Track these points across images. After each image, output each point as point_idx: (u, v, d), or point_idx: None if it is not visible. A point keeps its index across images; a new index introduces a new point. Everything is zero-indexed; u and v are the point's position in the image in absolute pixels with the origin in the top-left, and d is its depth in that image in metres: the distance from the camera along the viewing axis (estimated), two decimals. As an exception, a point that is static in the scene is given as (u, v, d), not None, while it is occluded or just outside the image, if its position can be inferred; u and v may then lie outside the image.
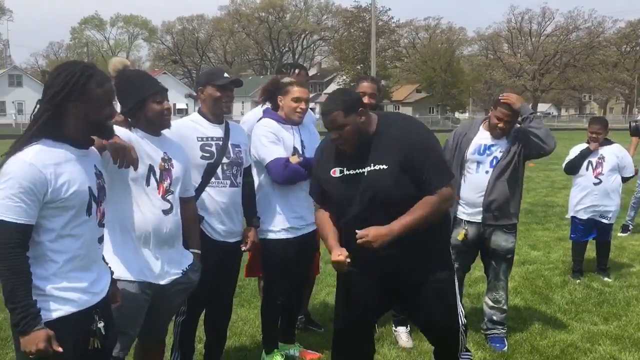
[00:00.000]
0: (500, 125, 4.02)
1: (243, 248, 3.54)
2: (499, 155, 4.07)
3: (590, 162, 5.82)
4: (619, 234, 7.76)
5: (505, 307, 4.29)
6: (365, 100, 3.70)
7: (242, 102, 56.48)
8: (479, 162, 4.12)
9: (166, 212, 2.85)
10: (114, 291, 2.55)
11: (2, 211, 2.07)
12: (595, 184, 5.78)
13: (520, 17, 71.97)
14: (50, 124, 2.20)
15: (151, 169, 2.80)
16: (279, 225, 3.64)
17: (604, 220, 5.86)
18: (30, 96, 55.90)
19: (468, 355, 3.38)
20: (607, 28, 69.55)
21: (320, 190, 3.01)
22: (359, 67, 55.55)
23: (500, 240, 4.14)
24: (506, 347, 4.20)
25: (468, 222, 4.15)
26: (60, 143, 2.21)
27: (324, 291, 5.39)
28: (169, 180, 2.87)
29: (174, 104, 54.60)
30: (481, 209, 4.08)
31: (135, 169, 2.68)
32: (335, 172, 2.89)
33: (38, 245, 2.17)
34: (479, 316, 4.48)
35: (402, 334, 4.33)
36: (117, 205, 2.70)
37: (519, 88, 68.39)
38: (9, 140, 2.26)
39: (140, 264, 2.77)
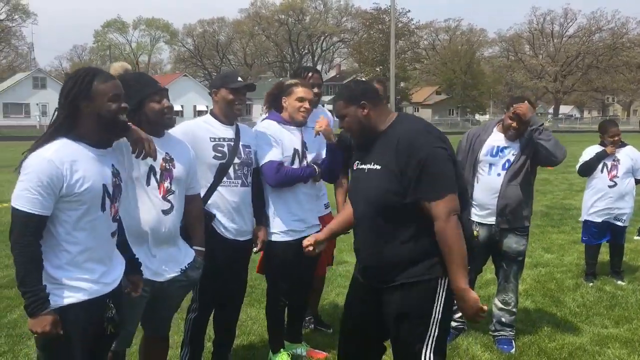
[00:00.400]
0: (514, 125, 4.03)
1: (255, 249, 3.59)
2: (512, 158, 4.08)
3: (605, 164, 5.78)
4: (635, 237, 7.67)
5: (514, 309, 4.28)
6: None
7: (262, 105, 56.67)
8: (491, 164, 4.12)
9: (166, 212, 2.90)
10: (136, 280, 2.69)
11: (20, 202, 2.25)
12: (610, 186, 5.74)
13: (542, 18, 71.30)
14: (66, 124, 2.37)
15: (152, 169, 2.87)
16: (277, 228, 3.67)
17: (619, 223, 5.81)
18: (54, 98, 56.26)
19: None
20: (631, 29, 68.48)
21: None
22: (378, 69, 55.51)
23: (511, 242, 4.14)
24: (514, 349, 4.19)
25: (480, 223, 4.16)
26: (78, 142, 2.36)
27: (334, 292, 5.41)
28: (169, 180, 2.93)
29: (194, 106, 55.31)
30: (493, 210, 4.09)
31: (155, 159, 2.79)
32: (355, 165, 2.92)
33: (54, 236, 2.32)
34: (488, 318, 4.47)
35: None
36: None
37: (540, 90, 67.82)
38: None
39: None
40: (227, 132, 3.47)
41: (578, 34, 69.51)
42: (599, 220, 5.80)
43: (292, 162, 3.68)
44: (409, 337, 2.74)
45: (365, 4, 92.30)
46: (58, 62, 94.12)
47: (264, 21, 76.45)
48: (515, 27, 79.88)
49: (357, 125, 2.78)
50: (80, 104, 2.35)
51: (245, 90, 3.47)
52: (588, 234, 5.93)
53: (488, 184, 4.11)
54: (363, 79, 3.09)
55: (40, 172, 2.25)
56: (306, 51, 79.12)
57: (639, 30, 70.11)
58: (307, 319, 4.51)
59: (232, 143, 3.46)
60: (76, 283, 2.35)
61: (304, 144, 3.74)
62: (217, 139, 3.42)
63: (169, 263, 2.95)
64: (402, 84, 57.30)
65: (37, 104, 55.73)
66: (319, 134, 3.68)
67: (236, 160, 3.45)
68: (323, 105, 4.46)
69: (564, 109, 77.64)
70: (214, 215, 3.39)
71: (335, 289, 5.48)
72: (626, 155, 5.80)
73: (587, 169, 5.86)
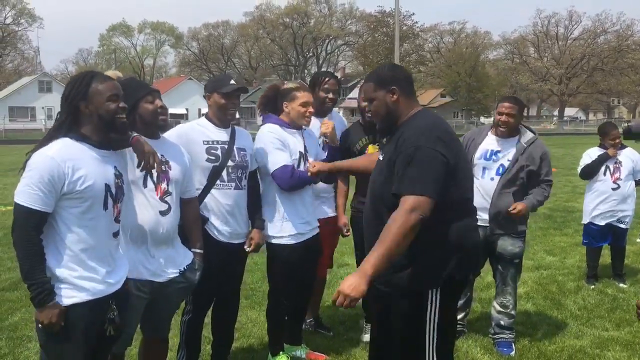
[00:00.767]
0: (503, 119, 4.08)
1: (247, 249, 3.60)
2: (506, 163, 4.09)
3: (607, 166, 5.77)
4: (638, 240, 7.64)
5: (513, 312, 4.28)
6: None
7: (256, 108, 56.67)
8: (484, 168, 4.15)
9: (163, 213, 2.93)
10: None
11: (22, 197, 2.32)
12: (613, 189, 5.73)
13: (546, 21, 71.17)
14: (67, 124, 2.44)
15: (146, 173, 2.89)
16: (286, 232, 3.68)
17: (622, 225, 5.80)
18: (59, 102, 56.87)
19: None
20: (636, 31, 68.52)
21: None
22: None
23: (507, 244, 4.14)
24: (513, 352, 4.18)
25: None
26: (81, 142, 2.42)
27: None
28: (166, 182, 2.96)
29: (199, 109, 55.35)
30: (486, 212, 4.09)
31: (155, 178, 2.86)
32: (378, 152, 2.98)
33: (57, 232, 2.39)
34: (489, 321, 4.47)
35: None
36: None
37: (545, 92, 67.70)
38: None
39: (136, 262, 2.84)
40: (221, 135, 3.48)
41: (583, 36, 69.36)
42: (603, 223, 5.78)
43: (299, 165, 3.69)
44: (406, 346, 2.70)
45: (370, 7, 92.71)
46: (64, 65, 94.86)
47: (268, 24, 76.53)
48: (519, 30, 79.93)
49: (384, 109, 2.73)
50: (80, 105, 2.42)
51: (238, 93, 3.48)
52: (589, 237, 5.91)
53: (481, 188, 4.11)
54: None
55: (42, 169, 2.31)
56: (311, 54, 79.19)
57: (644, 32, 69.76)
58: (307, 321, 4.51)
59: (226, 146, 3.47)
60: (80, 282, 2.40)
61: (305, 147, 3.75)
62: (210, 142, 3.43)
63: (167, 264, 2.97)
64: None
65: (43, 108, 56.01)
66: (324, 136, 3.70)
67: (230, 163, 3.45)
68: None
69: (569, 112, 77.46)
70: (207, 218, 3.40)
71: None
72: (627, 157, 5.79)
73: (590, 172, 5.84)
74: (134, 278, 2.81)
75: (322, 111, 4.15)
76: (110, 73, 2.95)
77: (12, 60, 77.61)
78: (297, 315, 4.11)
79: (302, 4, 76.19)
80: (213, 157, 3.42)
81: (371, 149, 4.08)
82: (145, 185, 2.90)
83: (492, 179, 4.11)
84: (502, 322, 4.26)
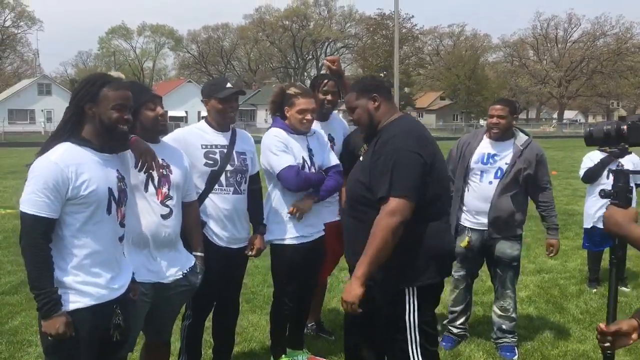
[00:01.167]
0: (494, 121, 4.10)
1: (249, 253, 3.58)
2: (504, 167, 4.09)
3: (610, 170, 5.75)
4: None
5: (514, 315, 4.26)
6: None
7: (266, 110, 56.77)
8: (482, 172, 4.15)
9: (165, 216, 2.93)
10: (133, 287, 2.67)
11: (27, 205, 2.28)
12: None
13: (546, 24, 71.30)
14: (72, 127, 2.41)
15: (149, 175, 2.89)
16: (289, 234, 3.67)
17: (624, 229, 5.77)
18: (59, 104, 57.01)
19: None
20: (636, 34, 68.45)
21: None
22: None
23: (505, 247, 4.15)
24: (516, 356, 4.16)
25: (472, 229, 4.17)
26: (83, 146, 2.39)
27: (336, 298, 5.39)
28: (167, 186, 2.95)
29: (199, 112, 55.39)
30: (485, 216, 4.11)
31: (157, 172, 2.83)
32: (362, 150, 3.09)
33: (61, 239, 2.35)
34: (490, 325, 4.45)
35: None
36: None
37: (544, 95, 67.77)
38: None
39: (138, 265, 2.83)
40: (220, 138, 3.46)
41: (582, 39, 69.48)
42: None
43: (308, 170, 3.69)
44: (393, 343, 2.84)
45: (369, 10, 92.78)
46: (63, 68, 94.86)
47: (268, 27, 76.65)
48: (519, 33, 79.59)
49: (366, 116, 2.90)
50: (85, 106, 2.39)
51: (235, 97, 3.45)
52: (590, 241, 5.89)
53: (480, 192, 4.13)
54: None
55: (46, 175, 2.28)
56: (310, 57, 79.27)
57: (643, 35, 69.85)
58: (309, 325, 4.50)
59: (225, 150, 3.44)
60: (83, 287, 2.37)
61: (310, 151, 3.74)
62: (209, 146, 3.41)
63: (171, 266, 2.97)
64: (406, 90, 57.31)
65: (42, 110, 56.03)
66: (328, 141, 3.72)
67: (228, 167, 3.43)
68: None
69: (569, 114, 77.51)
70: (205, 223, 3.38)
71: (337, 296, 5.45)
72: (629, 161, 5.76)
73: (592, 176, 5.81)
74: (138, 281, 2.79)
75: (321, 113, 4.14)
76: (113, 74, 2.94)
77: (11, 62, 77.71)
78: (298, 319, 4.10)
79: (302, 6, 76.34)
80: (211, 162, 3.40)
81: None
82: (146, 189, 2.89)
83: (490, 182, 4.11)
84: (503, 326, 4.24)
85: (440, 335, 4.50)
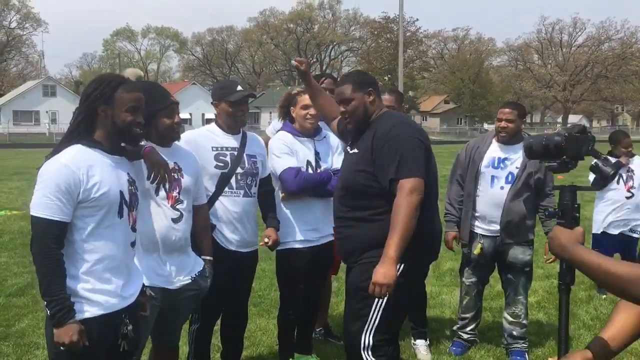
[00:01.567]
0: (502, 124, 4.07)
1: (266, 241, 3.49)
2: (515, 171, 4.06)
3: (620, 175, 5.72)
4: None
5: (525, 321, 4.22)
6: None
7: (270, 113, 56.88)
8: (493, 177, 4.11)
9: (175, 220, 2.90)
10: (143, 301, 2.61)
11: (39, 209, 2.22)
12: (627, 197, 5.70)
13: (550, 28, 71.10)
14: (83, 129, 2.35)
15: (157, 185, 2.83)
16: (290, 237, 3.65)
17: (635, 235, 5.77)
18: (63, 106, 57.23)
19: None
20: (641, 38, 68.22)
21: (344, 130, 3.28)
22: (386, 77, 55.52)
23: (517, 253, 4.11)
24: (527, 362, 4.13)
25: (484, 235, 4.14)
26: (94, 148, 2.34)
27: (344, 303, 5.36)
28: (178, 190, 2.93)
29: (203, 114, 55.45)
30: (497, 222, 4.08)
31: (170, 184, 2.80)
32: (348, 147, 3.12)
33: (71, 243, 2.29)
34: (500, 330, 4.42)
35: (421, 347, 4.29)
36: None
37: (549, 99, 67.68)
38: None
39: (148, 269, 2.80)
40: (231, 141, 3.44)
41: (587, 43, 69.28)
42: (616, 232, 5.74)
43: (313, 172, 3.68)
44: (351, 316, 2.96)
45: (374, 13, 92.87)
46: (68, 70, 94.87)
47: (272, 30, 76.71)
48: (523, 37, 79.52)
49: (362, 110, 2.97)
50: (98, 107, 2.34)
51: (245, 99, 3.44)
52: (599, 248, 5.84)
53: (491, 198, 4.09)
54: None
55: (57, 177, 2.22)
56: (314, 60, 79.30)
57: (648, 40, 69.67)
58: (317, 330, 4.47)
59: (236, 152, 3.43)
60: (92, 295, 2.32)
61: (317, 154, 3.72)
62: (219, 148, 3.39)
63: (180, 270, 2.94)
64: (410, 93, 57.27)
65: (47, 112, 56.12)
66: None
67: (239, 170, 3.41)
68: None
69: (573, 119, 77.16)
70: (214, 226, 3.35)
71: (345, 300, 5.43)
72: (639, 166, 5.75)
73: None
74: (147, 285, 2.77)
75: None
76: (131, 72, 2.90)
77: (16, 64, 77.84)
78: (306, 323, 4.07)
79: (306, 9, 76.37)
80: (222, 164, 3.38)
81: None
82: (157, 193, 2.86)
83: (502, 187, 4.07)
84: (514, 333, 4.21)
85: (449, 340, 4.48)
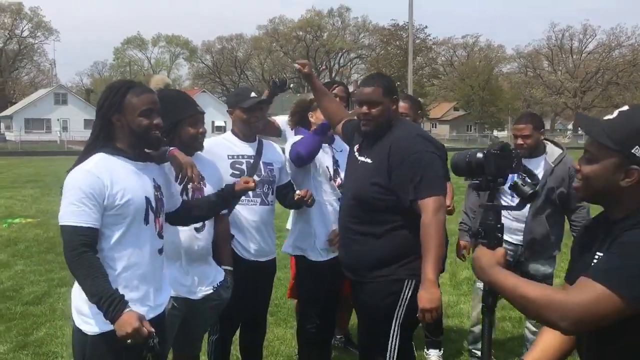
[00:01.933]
0: (518, 142, 3.92)
1: (299, 194, 3.36)
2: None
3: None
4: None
5: (548, 331, 4.15)
6: None
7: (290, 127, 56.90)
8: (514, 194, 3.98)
9: (198, 229, 2.89)
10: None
11: (66, 218, 2.19)
12: None
13: (560, 34, 70.88)
14: (103, 138, 2.33)
15: (184, 187, 2.84)
16: (316, 248, 3.59)
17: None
18: (74, 114, 57.73)
19: None
20: (652, 45, 67.86)
21: (350, 134, 3.19)
22: (396, 85, 55.46)
23: (538, 265, 4.01)
24: (550, 373, 4.06)
25: (506, 241, 4.04)
26: (116, 156, 2.31)
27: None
28: None
29: (212, 122, 55.67)
30: (521, 232, 3.96)
31: (198, 183, 2.74)
32: (356, 148, 3.05)
33: (98, 252, 2.24)
34: (520, 340, 4.37)
35: (433, 357, 4.25)
36: None
37: (559, 106, 67.35)
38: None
39: (171, 278, 2.77)
40: (247, 149, 3.43)
41: (597, 49, 69.01)
42: None
43: (329, 180, 3.61)
44: (371, 334, 2.94)
45: (383, 21, 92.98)
46: (79, 78, 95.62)
47: (282, 38, 77.00)
48: (533, 43, 79.21)
49: (386, 117, 2.89)
50: (112, 117, 2.30)
51: (260, 106, 3.41)
52: None
53: (513, 213, 3.92)
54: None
55: (81, 184, 2.20)
56: (324, 67, 79.48)
57: (659, 46, 69.28)
58: (337, 337, 4.44)
59: (252, 160, 3.41)
60: None
61: (335, 162, 3.68)
62: (235, 156, 3.38)
63: (202, 280, 2.92)
64: (420, 100, 57.25)
65: (58, 120, 56.60)
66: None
67: (255, 178, 3.33)
68: None
69: (584, 125, 76.67)
70: (232, 236, 3.33)
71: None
72: None
73: None
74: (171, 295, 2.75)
75: None
76: (159, 79, 2.89)
77: (28, 72, 78.69)
78: (326, 334, 4.03)
79: (316, 17, 76.66)
80: (237, 172, 3.36)
81: None
82: (182, 194, 2.84)
83: None
84: (537, 343, 4.14)
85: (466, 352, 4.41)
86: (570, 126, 73.00)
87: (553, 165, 3.90)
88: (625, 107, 1.72)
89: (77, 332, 2.30)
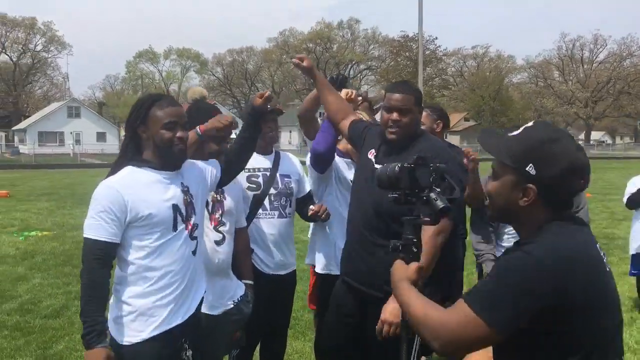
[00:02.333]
0: None
1: (313, 209, 3.35)
2: None
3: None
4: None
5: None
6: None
7: (290, 132, 57.20)
8: None
9: (218, 242, 2.89)
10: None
11: (87, 229, 2.25)
12: None
13: (571, 44, 70.82)
14: (131, 151, 2.38)
15: (224, 139, 2.88)
16: (332, 263, 3.52)
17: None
18: (87, 127, 58.21)
19: None
20: (663, 54, 67.53)
21: (358, 136, 3.05)
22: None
23: None
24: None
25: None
26: (143, 167, 2.35)
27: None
28: (220, 212, 2.92)
29: (224, 134, 55.88)
30: None
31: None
32: (371, 154, 2.93)
33: (131, 263, 2.30)
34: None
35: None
36: None
37: (571, 116, 67.07)
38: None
39: None
40: (263, 161, 3.40)
41: (608, 59, 68.83)
42: None
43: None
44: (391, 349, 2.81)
45: (393, 32, 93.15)
46: (91, 91, 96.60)
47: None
48: (544, 53, 79.07)
49: (414, 126, 2.85)
50: (138, 129, 2.36)
51: (273, 116, 3.37)
52: (637, 267, 5.70)
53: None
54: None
55: (102, 198, 2.25)
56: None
57: (671, 55, 68.88)
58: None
59: (268, 173, 3.38)
60: (156, 312, 2.30)
61: None
62: (251, 170, 3.33)
63: (222, 295, 2.91)
64: (441, 109, 57.22)
65: (71, 133, 57.04)
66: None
67: (272, 191, 3.36)
68: None
69: (596, 135, 76.47)
70: (252, 249, 3.31)
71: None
72: None
73: (638, 201, 5.62)
74: None
75: None
76: (197, 90, 2.90)
77: (41, 86, 79.58)
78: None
79: (325, 29, 77.02)
80: (254, 185, 3.34)
81: None
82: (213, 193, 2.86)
83: None
84: None
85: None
86: (581, 136, 72.62)
87: None
88: (530, 123, 1.67)
89: (112, 341, 2.32)
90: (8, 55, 71.58)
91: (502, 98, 64.78)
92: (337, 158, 3.60)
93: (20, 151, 50.29)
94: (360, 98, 3.59)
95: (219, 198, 2.92)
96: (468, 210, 3.95)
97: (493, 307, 1.47)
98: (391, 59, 65.55)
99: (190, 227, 2.42)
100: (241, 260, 3.11)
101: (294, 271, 3.56)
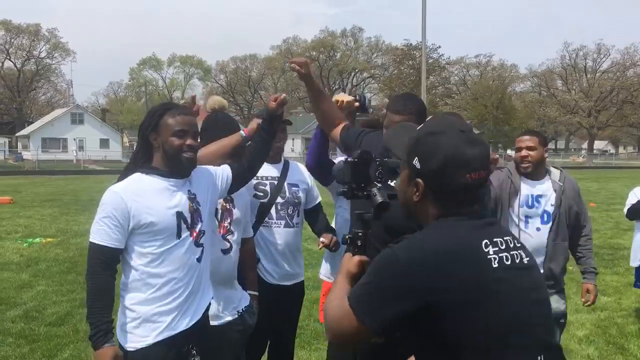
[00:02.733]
0: (523, 154, 3.60)
1: (323, 242, 3.32)
2: (550, 209, 3.55)
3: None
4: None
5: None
6: None
7: (293, 139, 57.22)
8: (527, 216, 3.58)
9: (225, 251, 2.87)
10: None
11: (92, 234, 2.31)
12: None
13: (574, 54, 70.81)
14: (141, 157, 2.42)
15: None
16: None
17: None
18: (90, 133, 58.36)
19: None
20: (666, 64, 67.50)
21: (352, 141, 2.93)
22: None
23: (554, 301, 3.42)
24: (582, 401, 3.96)
25: None
26: (152, 174, 2.38)
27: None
28: (229, 220, 2.91)
29: (227, 141, 55.95)
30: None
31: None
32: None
33: (135, 269, 2.33)
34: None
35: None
36: None
37: (574, 125, 67.06)
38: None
39: None
40: (271, 170, 3.39)
41: (612, 69, 68.79)
42: None
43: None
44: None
45: (396, 41, 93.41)
46: (95, 98, 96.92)
47: (295, 57, 77.65)
48: (547, 63, 79.13)
49: None
50: (149, 136, 2.40)
51: (281, 126, 3.30)
52: None
53: (526, 241, 3.27)
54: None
55: (107, 204, 2.29)
56: (337, 86, 79.77)
57: (674, 65, 68.85)
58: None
59: (276, 182, 3.37)
60: (160, 318, 2.32)
61: None
62: (259, 178, 3.31)
63: (226, 305, 2.88)
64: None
65: (75, 139, 57.19)
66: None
67: (279, 200, 3.34)
68: None
69: (599, 145, 76.39)
70: (259, 259, 3.28)
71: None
72: None
73: (638, 212, 5.56)
74: None
75: None
76: (217, 99, 2.89)
77: (45, 92, 79.81)
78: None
79: (329, 37, 77.25)
80: (261, 194, 3.32)
81: None
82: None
83: (538, 229, 3.54)
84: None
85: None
86: (584, 145, 72.57)
87: (561, 184, 3.61)
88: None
89: (119, 347, 2.33)
90: (12, 62, 72.00)
91: (505, 107, 64.64)
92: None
93: (24, 157, 50.35)
94: (357, 104, 3.43)
95: (228, 207, 2.90)
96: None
97: (359, 301, 1.48)
98: (394, 68, 65.61)
99: (195, 234, 2.43)
100: (246, 271, 3.08)
101: (302, 282, 3.52)
